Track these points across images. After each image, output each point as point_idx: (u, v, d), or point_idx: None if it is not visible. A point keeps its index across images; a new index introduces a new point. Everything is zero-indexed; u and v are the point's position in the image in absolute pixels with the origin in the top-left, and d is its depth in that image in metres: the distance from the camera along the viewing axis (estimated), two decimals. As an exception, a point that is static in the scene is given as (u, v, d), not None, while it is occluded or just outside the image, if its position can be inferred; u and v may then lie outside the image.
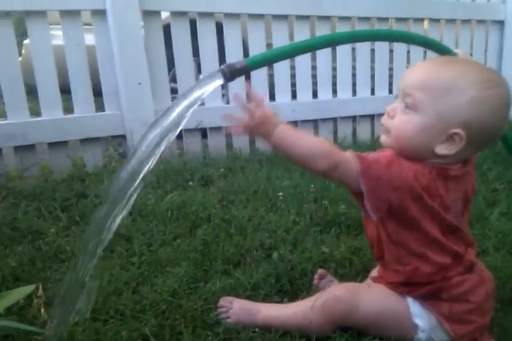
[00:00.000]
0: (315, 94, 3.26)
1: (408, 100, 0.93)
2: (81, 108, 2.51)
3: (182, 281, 1.25)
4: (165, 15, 2.83)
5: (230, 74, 0.88)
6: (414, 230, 0.95)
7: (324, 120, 3.26)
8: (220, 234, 1.56)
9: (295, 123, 3.16)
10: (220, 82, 0.89)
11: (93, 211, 1.78)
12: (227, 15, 2.86)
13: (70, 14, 2.44)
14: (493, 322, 1.07)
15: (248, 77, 2.94)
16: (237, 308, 1.10)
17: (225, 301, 1.14)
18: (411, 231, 0.96)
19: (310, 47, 0.96)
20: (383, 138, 1.00)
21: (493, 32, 3.87)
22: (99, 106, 2.65)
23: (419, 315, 0.98)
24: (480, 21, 3.79)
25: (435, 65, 0.95)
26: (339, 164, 0.90)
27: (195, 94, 0.87)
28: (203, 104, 2.91)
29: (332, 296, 1.01)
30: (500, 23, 3.86)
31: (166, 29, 2.73)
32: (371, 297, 1.00)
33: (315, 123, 3.27)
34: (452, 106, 0.89)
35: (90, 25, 2.53)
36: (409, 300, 0.99)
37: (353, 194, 0.95)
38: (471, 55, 3.79)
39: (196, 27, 2.77)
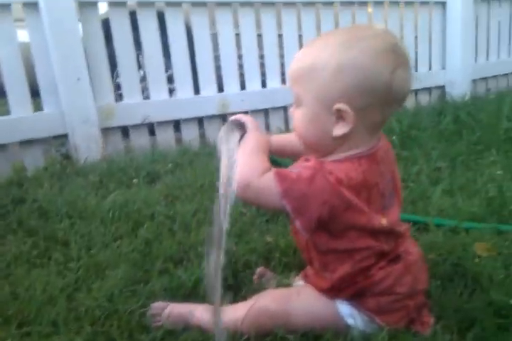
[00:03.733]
0: (264, 84, 3.23)
1: (293, 98, 0.91)
2: (18, 108, 2.40)
3: (120, 284, 1.20)
4: (104, 9, 2.73)
5: None
6: (343, 238, 0.91)
7: (274, 109, 3.24)
8: (163, 231, 1.51)
9: (245, 113, 3.13)
10: None
11: (31, 217, 1.70)
12: (169, 3, 2.78)
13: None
14: (432, 299, 1.07)
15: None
16: (169, 314, 1.05)
17: (156, 308, 1.08)
18: (340, 239, 0.91)
19: None
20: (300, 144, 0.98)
21: (436, 13, 3.93)
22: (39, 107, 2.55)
23: (350, 315, 0.95)
24: (423, 3, 3.84)
25: (300, 53, 0.92)
26: (251, 184, 0.86)
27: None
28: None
29: (262, 310, 0.97)
30: (443, 4, 3.92)
31: (107, 24, 2.64)
32: (300, 305, 0.97)
33: (265, 113, 3.24)
34: (321, 84, 0.85)
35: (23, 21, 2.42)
36: (338, 302, 0.96)
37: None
38: (416, 36, 3.84)
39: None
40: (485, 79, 4.27)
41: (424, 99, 3.90)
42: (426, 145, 2.25)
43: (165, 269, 1.29)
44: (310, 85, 0.86)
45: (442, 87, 3.98)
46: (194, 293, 1.18)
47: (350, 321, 0.96)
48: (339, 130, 0.86)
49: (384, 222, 0.92)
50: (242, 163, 0.88)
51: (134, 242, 1.45)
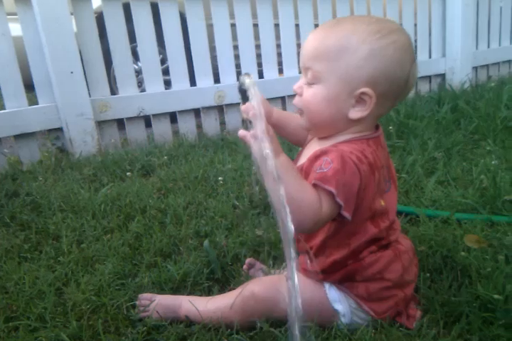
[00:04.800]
0: (261, 74, 3.21)
1: (309, 74, 0.89)
2: (13, 102, 2.39)
3: (108, 278, 1.20)
4: (97, 4, 2.71)
5: None
6: (348, 222, 0.89)
7: (272, 99, 3.21)
8: (154, 225, 1.50)
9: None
10: None
11: (24, 211, 1.70)
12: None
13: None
14: (420, 292, 1.06)
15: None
16: (157, 305, 1.06)
17: (144, 299, 1.09)
18: (348, 223, 0.90)
19: None
20: (301, 121, 0.96)
21: (435, 3, 3.87)
22: (33, 100, 2.54)
23: (338, 300, 0.96)
24: (422, -7, 3.77)
25: (322, 31, 0.90)
26: (320, 218, 0.82)
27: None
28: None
29: (250, 295, 0.97)
30: (442, -6, 3.86)
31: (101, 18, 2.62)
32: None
33: (263, 103, 3.21)
34: (351, 66, 0.86)
35: (15, 14, 2.40)
36: (327, 286, 0.97)
37: None
38: (416, 25, 3.79)
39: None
40: (486, 66, 4.22)
41: (424, 87, 3.86)
42: (422, 135, 2.23)
43: (154, 263, 1.29)
44: (337, 65, 0.86)
45: (443, 75, 3.94)
46: (182, 287, 1.18)
47: (337, 307, 0.96)
48: (357, 113, 0.88)
49: (383, 203, 0.94)
50: (295, 197, 0.80)
51: (125, 236, 1.45)
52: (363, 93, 0.86)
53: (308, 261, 1.02)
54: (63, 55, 2.41)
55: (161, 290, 1.16)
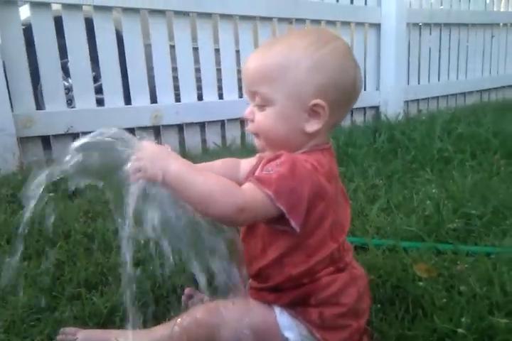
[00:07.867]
0: (200, 97, 3.13)
1: (257, 98, 0.87)
2: None
3: (22, 312, 1.04)
4: (26, 15, 2.53)
5: None
6: (310, 237, 0.85)
7: (211, 122, 3.14)
8: (79, 251, 1.35)
9: (180, 126, 3.01)
10: None
11: None
12: (98, 8, 2.62)
13: None
14: (372, 325, 0.99)
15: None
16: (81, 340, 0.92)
17: (66, 333, 0.95)
18: (307, 238, 0.85)
19: None
20: (257, 143, 0.93)
21: (371, 34, 4.01)
22: None
23: (288, 327, 0.87)
24: (358, 24, 3.91)
25: (260, 53, 0.89)
26: (244, 206, 0.76)
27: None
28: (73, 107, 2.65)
29: (193, 320, 0.87)
30: (377, 26, 4.01)
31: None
32: (234, 316, 0.87)
33: (201, 126, 3.14)
34: (296, 82, 0.84)
35: None
36: (277, 311, 0.88)
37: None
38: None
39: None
40: (416, 100, 4.40)
41: (359, 118, 3.95)
42: (362, 163, 2.23)
43: (77, 294, 1.14)
44: (282, 83, 0.85)
45: (376, 107, 4.05)
46: (109, 322, 1.04)
47: (288, 334, 0.88)
48: (313, 126, 0.86)
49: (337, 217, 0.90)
50: (207, 192, 0.76)
51: (44, 264, 1.28)
52: (314, 105, 0.85)
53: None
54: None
55: (85, 326, 1.01)
